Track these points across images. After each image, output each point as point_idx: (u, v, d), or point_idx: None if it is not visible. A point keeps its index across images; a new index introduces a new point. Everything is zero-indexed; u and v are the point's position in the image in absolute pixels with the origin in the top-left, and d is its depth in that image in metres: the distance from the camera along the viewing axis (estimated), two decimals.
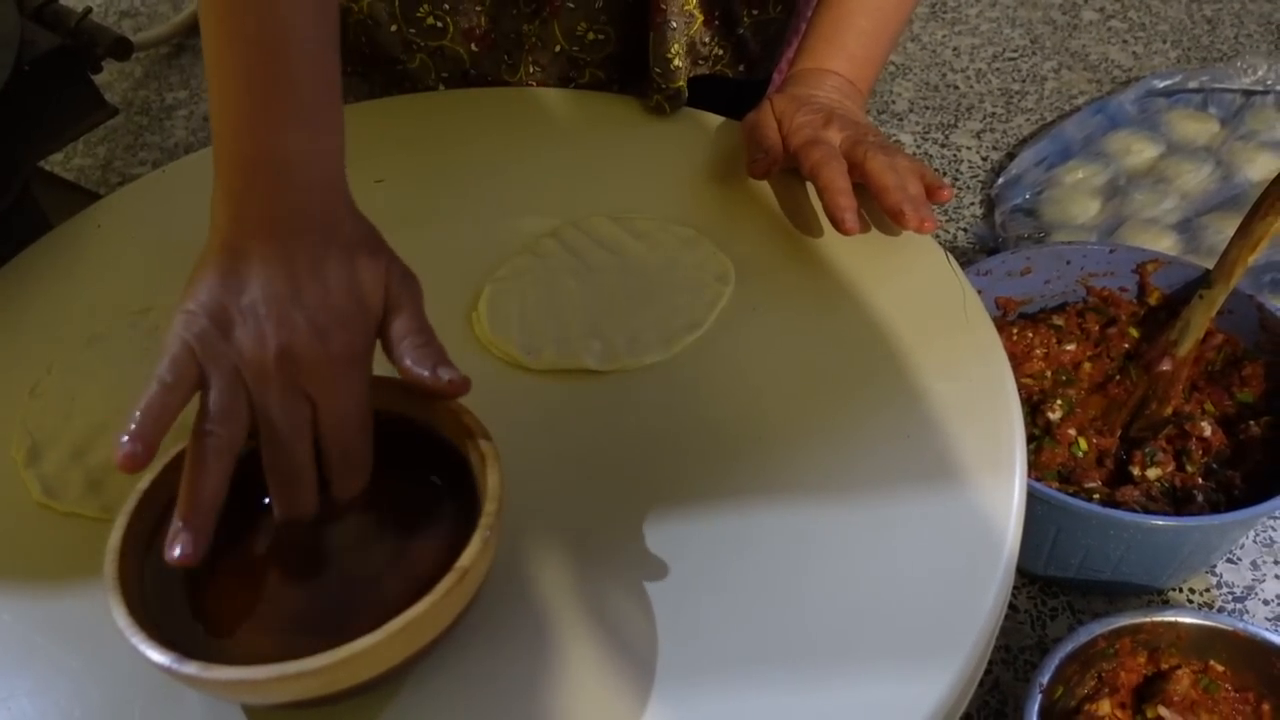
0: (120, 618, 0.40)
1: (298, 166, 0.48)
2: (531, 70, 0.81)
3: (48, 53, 0.83)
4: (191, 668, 0.38)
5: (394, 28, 0.80)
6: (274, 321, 0.45)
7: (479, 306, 0.61)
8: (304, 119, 0.48)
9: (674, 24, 0.76)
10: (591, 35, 0.79)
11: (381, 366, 0.48)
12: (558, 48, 0.80)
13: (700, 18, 0.79)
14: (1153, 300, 0.95)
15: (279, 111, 0.48)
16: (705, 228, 0.66)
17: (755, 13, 0.82)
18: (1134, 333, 0.94)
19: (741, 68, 0.85)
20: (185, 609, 0.43)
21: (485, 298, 0.62)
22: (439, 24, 0.78)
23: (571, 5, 0.78)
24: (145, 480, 0.44)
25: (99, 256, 0.68)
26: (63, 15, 0.88)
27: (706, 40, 0.81)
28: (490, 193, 0.70)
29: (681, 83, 0.78)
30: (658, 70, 0.77)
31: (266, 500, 0.46)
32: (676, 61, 0.77)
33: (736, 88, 0.89)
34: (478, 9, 0.78)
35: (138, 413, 0.43)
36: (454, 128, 0.75)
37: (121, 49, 0.89)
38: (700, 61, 0.82)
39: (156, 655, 0.39)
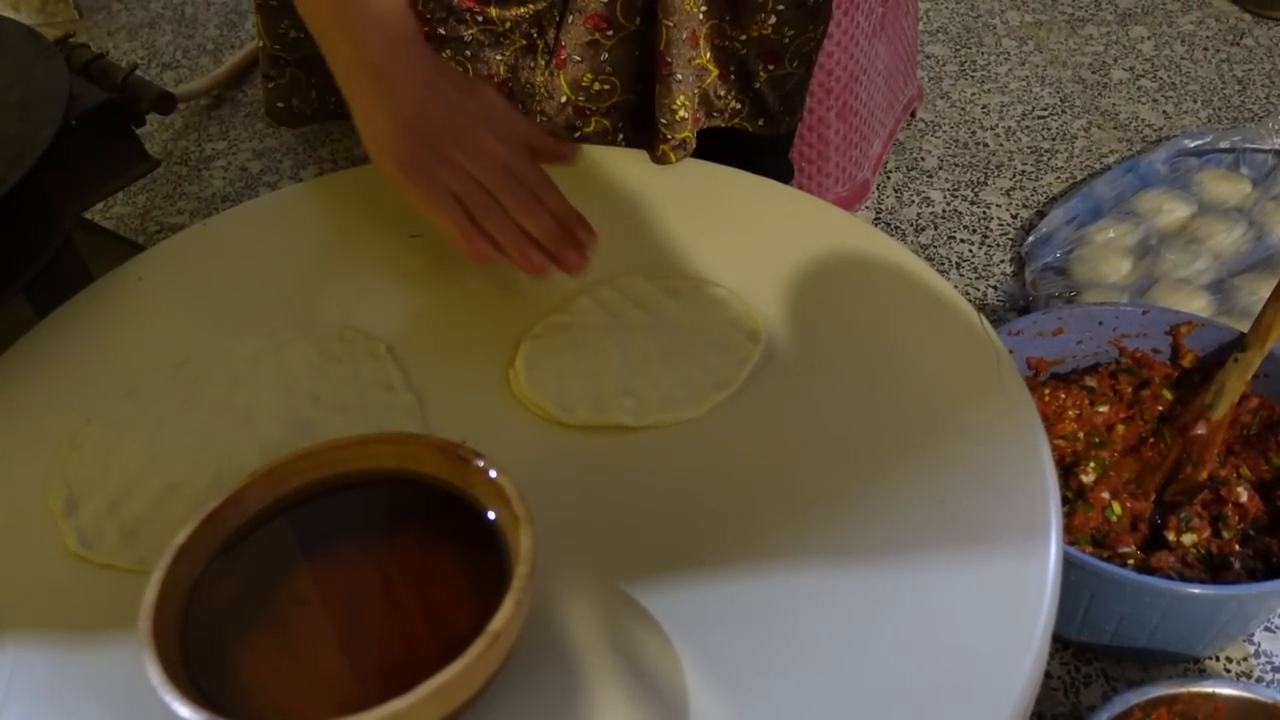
0: (154, 674, 0.40)
1: (415, 39, 0.67)
2: (540, 119, 0.82)
3: (94, 107, 0.85)
4: None
5: None
6: (466, 138, 0.63)
7: (516, 364, 0.61)
8: (398, 10, 0.66)
9: (679, 76, 0.77)
10: (597, 85, 0.81)
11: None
12: (564, 98, 0.81)
13: (715, 71, 0.80)
14: (1186, 362, 0.94)
15: (394, 12, 0.66)
16: (736, 286, 0.66)
17: (772, 68, 0.82)
18: (1168, 395, 0.93)
19: (761, 122, 0.86)
20: (219, 667, 0.43)
21: (522, 355, 0.62)
22: (459, 70, 0.79)
23: (578, 58, 0.79)
24: (181, 535, 0.45)
25: (139, 309, 0.69)
26: (109, 70, 0.91)
27: (722, 93, 0.82)
28: None
29: (688, 133, 0.78)
30: (663, 121, 0.77)
31: (299, 563, 0.46)
32: (682, 113, 0.78)
33: (758, 143, 0.89)
34: (498, 59, 0.79)
35: (461, 229, 0.61)
36: None
37: (165, 104, 0.91)
38: (716, 114, 0.83)
39: (189, 713, 0.39)
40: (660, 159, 0.78)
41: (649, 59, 0.79)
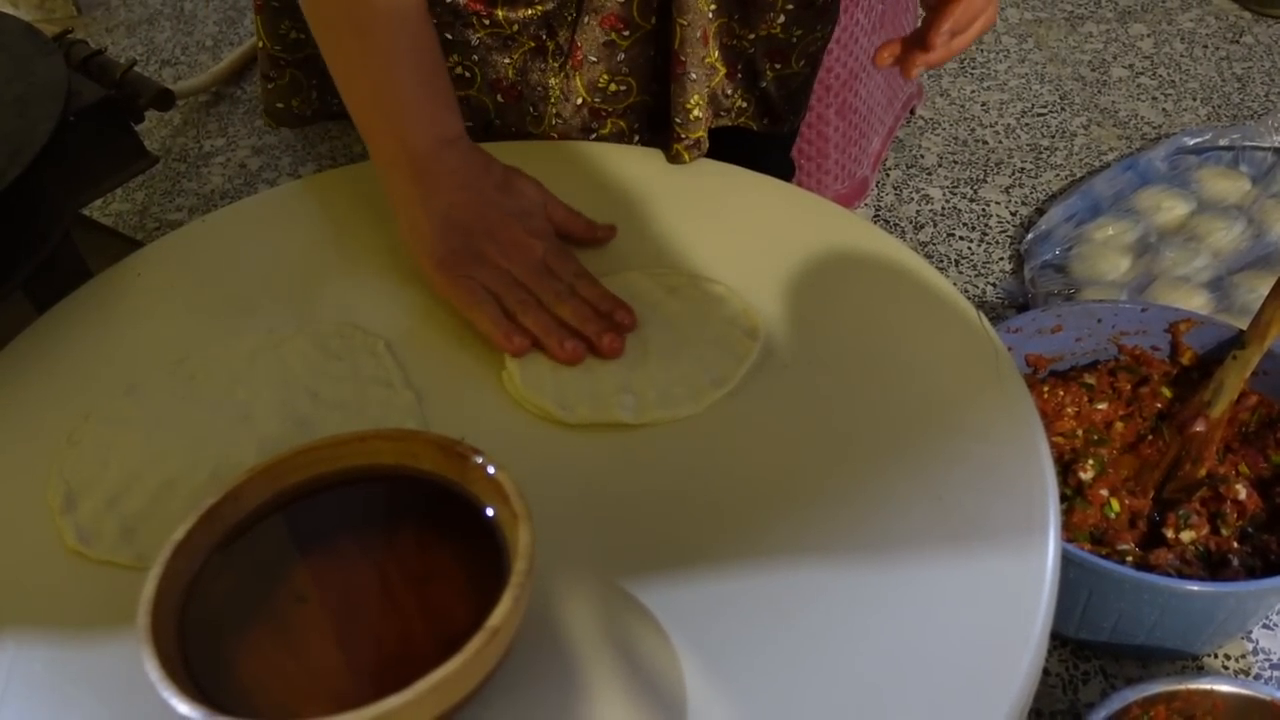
0: (152, 670, 0.40)
1: (458, 141, 0.69)
2: (554, 122, 0.82)
3: (93, 104, 0.85)
4: None
5: None
6: (501, 234, 0.65)
7: (507, 364, 0.61)
8: (452, 112, 0.69)
9: (694, 75, 0.77)
10: (613, 87, 0.80)
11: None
12: (580, 100, 0.81)
13: (722, 70, 0.80)
14: (1185, 360, 0.94)
15: (437, 112, 0.69)
16: (735, 283, 0.66)
17: (778, 67, 0.82)
18: (1167, 392, 0.93)
19: (766, 120, 0.86)
20: (217, 663, 0.43)
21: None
22: (467, 74, 0.79)
23: (594, 59, 0.79)
24: (180, 531, 0.45)
25: (138, 305, 0.69)
26: (108, 67, 0.90)
27: (729, 92, 0.82)
28: None
29: (701, 133, 0.78)
30: (678, 120, 0.77)
31: (297, 559, 0.46)
32: (696, 112, 0.78)
33: (761, 140, 0.89)
34: (506, 61, 0.79)
35: (496, 325, 0.62)
36: None
37: (164, 100, 0.90)
38: (723, 113, 0.83)
39: (187, 709, 0.39)
40: (675, 158, 0.78)
41: (664, 59, 0.79)
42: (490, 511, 0.46)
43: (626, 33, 0.78)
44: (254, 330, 0.65)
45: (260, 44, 0.87)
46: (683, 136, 0.77)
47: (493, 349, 0.63)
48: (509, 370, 0.61)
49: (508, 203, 0.67)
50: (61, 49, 0.87)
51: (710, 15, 0.75)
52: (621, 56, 0.79)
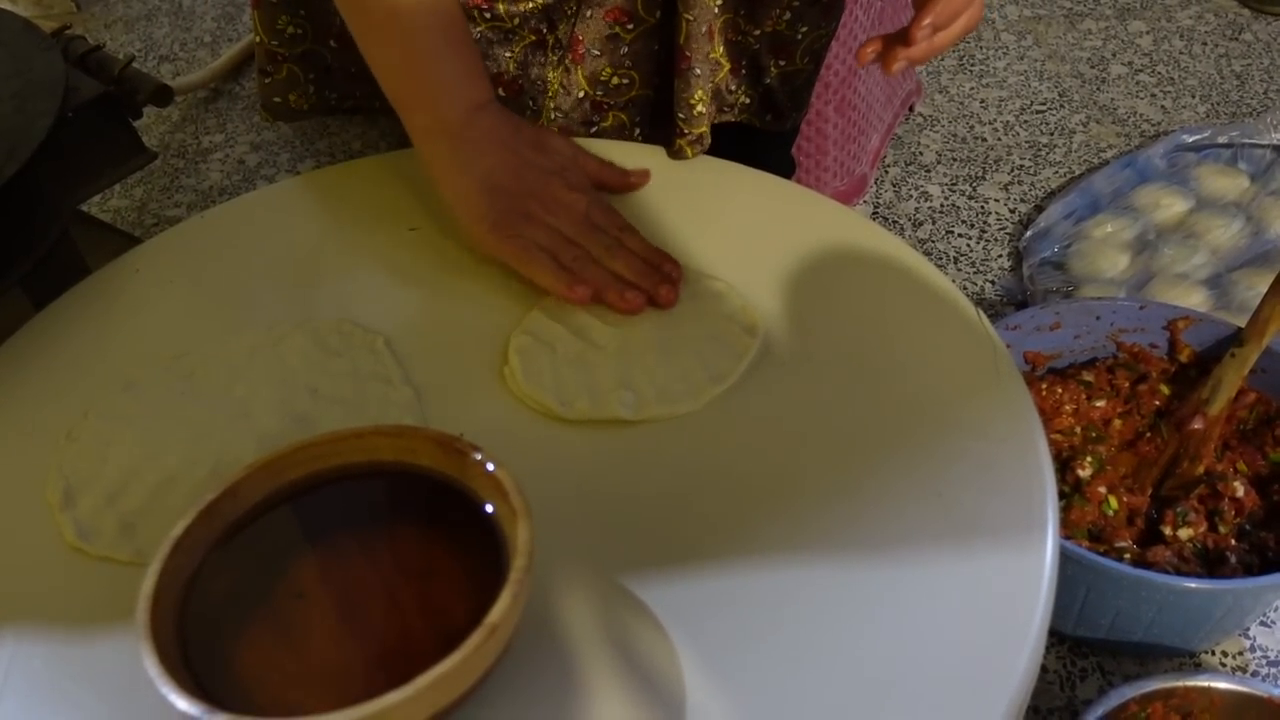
0: (151, 666, 0.40)
1: (489, 105, 0.70)
2: (553, 115, 0.82)
3: (91, 100, 0.85)
4: (221, 718, 0.38)
5: None
6: (543, 192, 0.67)
7: (510, 360, 0.61)
8: (477, 78, 0.70)
9: (698, 70, 0.77)
10: (615, 80, 0.81)
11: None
12: (581, 93, 0.81)
13: (726, 66, 0.80)
14: (1184, 357, 0.94)
15: (468, 79, 0.70)
16: (734, 279, 0.66)
17: (782, 63, 0.82)
18: (1165, 390, 0.93)
19: (768, 117, 0.86)
20: (217, 659, 0.43)
21: (515, 349, 0.62)
22: None
23: (596, 52, 0.79)
24: (179, 527, 0.45)
25: (136, 301, 0.69)
26: (106, 63, 0.90)
27: (733, 88, 0.82)
28: None
29: (704, 128, 0.78)
30: (681, 115, 0.77)
31: (296, 556, 0.46)
32: (700, 107, 0.78)
33: (763, 137, 0.89)
34: (507, 55, 0.79)
35: (558, 278, 0.64)
36: None
37: (162, 96, 0.90)
38: (726, 109, 0.83)
39: (186, 705, 0.39)
40: (677, 154, 0.78)
41: (668, 53, 0.79)
42: (489, 508, 0.46)
43: (630, 26, 0.78)
44: (253, 326, 0.65)
45: (257, 39, 0.87)
46: (685, 132, 0.77)
47: (493, 353, 0.63)
48: (511, 365, 0.61)
49: (544, 160, 0.69)
50: (60, 45, 0.87)
51: (716, 10, 0.75)
52: (625, 50, 0.79)
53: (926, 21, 0.68)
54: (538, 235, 0.65)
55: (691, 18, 0.75)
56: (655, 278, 0.64)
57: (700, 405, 0.59)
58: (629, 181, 0.73)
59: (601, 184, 0.71)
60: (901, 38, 0.69)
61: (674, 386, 0.60)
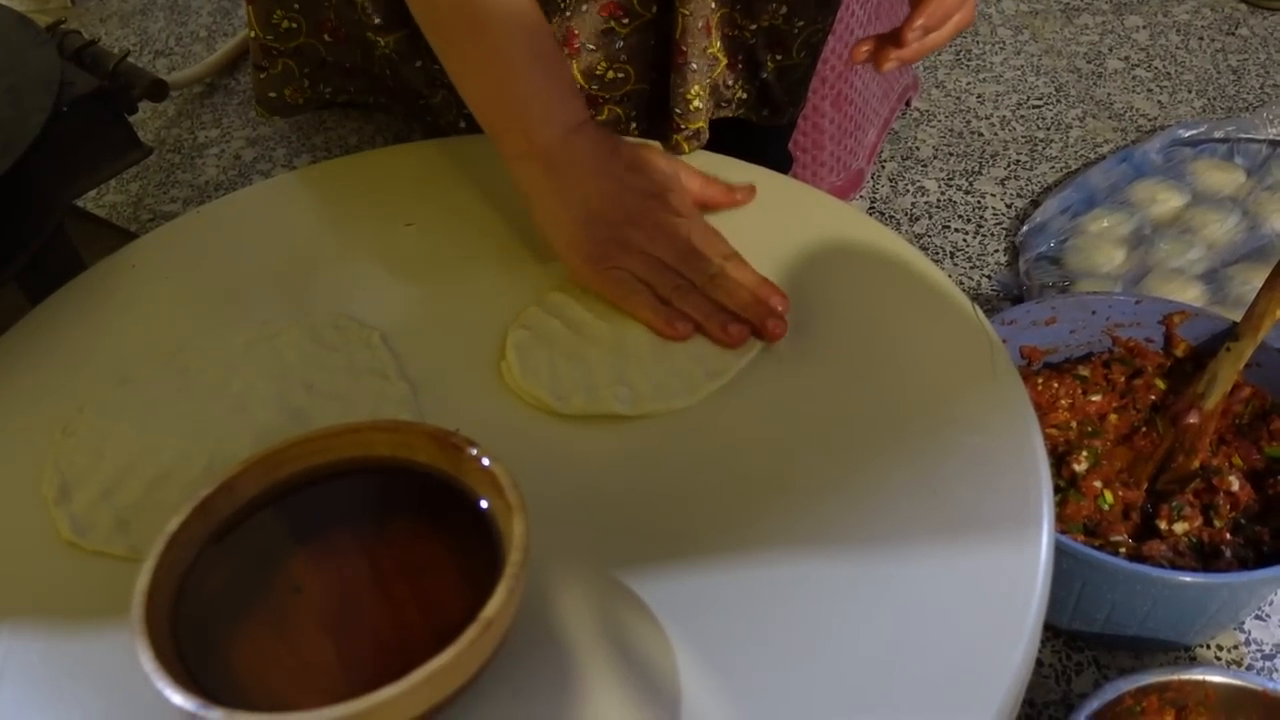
0: (146, 661, 0.40)
1: (585, 126, 0.67)
2: None
3: (86, 94, 0.85)
4: (216, 714, 0.38)
5: (419, 63, 0.81)
6: (643, 218, 0.64)
7: (507, 354, 0.61)
8: (576, 97, 0.68)
9: (695, 65, 0.77)
10: (611, 74, 0.80)
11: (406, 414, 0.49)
12: (577, 87, 0.81)
13: (724, 61, 0.80)
14: (1179, 352, 0.94)
15: (561, 100, 0.67)
16: None
17: (779, 58, 0.82)
18: (1160, 384, 0.93)
19: (765, 112, 0.86)
20: (212, 654, 0.43)
21: (512, 344, 0.62)
22: None
23: (591, 46, 0.79)
24: (174, 522, 0.45)
25: (132, 296, 0.69)
26: (101, 57, 0.90)
27: (730, 83, 0.82)
28: (519, 237, 0.70)
29: (701, 123, 0.78)
30: (678, 111, 0.77)
31: (292, 550, 0.46)
32: (696, 103, 0.78)
33: (760, 132, 0.89)
34: None
35: (655, 313, 0.61)
36: (484, 172, 0.76)
37: (157, 91, 0.90)
38: (723, 104, 0.83)
39: (181, 700, 0.39)
40: (674, 149, 0.78)
41: (664, 48, 0.79)
42: (485, 503, 0.46)
43: (626, 20, 0.78)
44: (249, 322, 0.65)
45: (252, 34, 0.87)
46: (682, 127, 0.77)
47: (489, 348, 0.63)
48: (508, 360, 0.61)
49: (643, 183, 0.66)
50: (54, 40, 0.87)
51: (713, 5, 0.75)
52: (620, 44, 0.79)
53: (918, 23, 0.68)
54: (636, 266, 0.62)
55: (688, 12, 0.74)
56: (761, 309, 0.61)
57: (696, 401, 0.59)
58: (734, 199, 0.70)
59: (705, 202, 0.68)
60: (894, 38, 0.69)
61: (670, 382, 0.60)
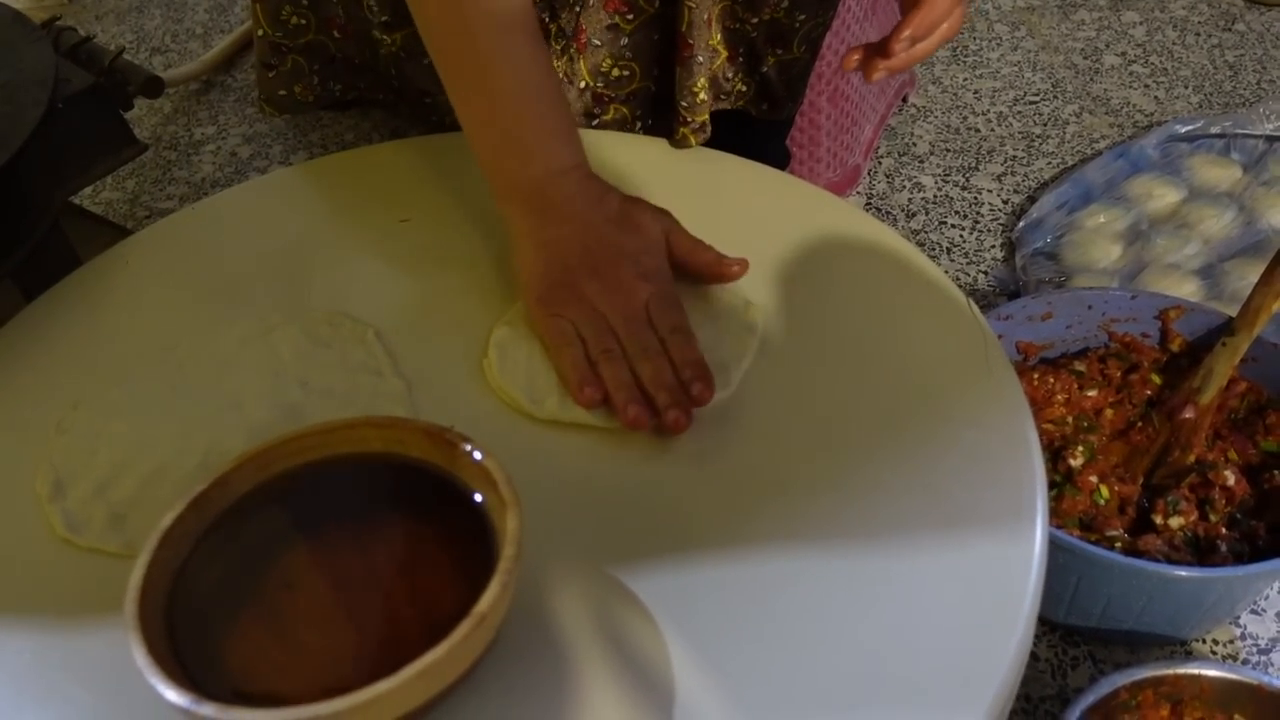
0: (140, 657, 0.40)
1: (570, 173, 0.66)
2: None
3: (81, 91, 0.85)
4: (209, 709, 0.38)
5: (425, 61, 0.81)
6: (606, 272, 0.62)
7: (489, 352, 0.61)
8: (562, 143, 0.66)
9: (700, 58, 0.77)
10: (616, 71, 0.80)
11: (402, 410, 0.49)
12: (584, 83, 0.81)
13: (724, 54, 0.80)
14: (1175, 347, 0.94)
15: (545, 144, 0.66)
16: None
17: (780, 52, 0.82)
18: (1156, 379, 0.93)
19: (765, 106, 0.86)
20: (206, 650, 0.43)
21: (494, 342, 0.62)
22: None
23: (598, 42, 0.79)
24: (168, 519, 0.45)
25: (127, 293, 0.69)
26: (96, 54, 0.90)
27: (730, 76, 0.82)
28: None
29: (706, 116, 0.78)
30: (683, 104, 0.77)
31: (286, 546, 0.46)
32: (702, 95, 0.78)
33: (758, 128, 0.89)
34: None
35: (574, 371, 0.59)
36: (479, 169, 0.76)
37: (153, 87, 0.90)
38: (723, 96, 0.83)
39: (174, 696, 0.39)
40: (680, 142, 0.78)
41: (667, 43, 0.79)
42: (478, 498, 0.46)
43: (630, 16, 0.78)
44: (244, 318, 0.65)
45: (260, 31, 0.87)
46: (689, 120, 0.77)
47: (484, 345, 0.62)
48: (489, 358, 0.61)
49: (621, 239, 0.64)
50: (50, 36, 0.87)
51: None
52: (625, 41, 0.79)
53: (905, 34, 0.68)
54: (580, 318, 0.61)
55: (693, 4, 0.75)
56: (674, 396, 0.57)
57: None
58: (725, 270, 0.65)
59: (688, 267, 0.65)
60: (881, 49, 0.69)
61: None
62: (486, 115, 0.66)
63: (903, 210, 1.32)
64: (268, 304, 0.66)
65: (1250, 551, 0.83)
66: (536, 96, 0.66)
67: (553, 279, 0.62)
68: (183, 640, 0.42)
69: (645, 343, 0.59)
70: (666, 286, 0.63)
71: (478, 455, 0.46)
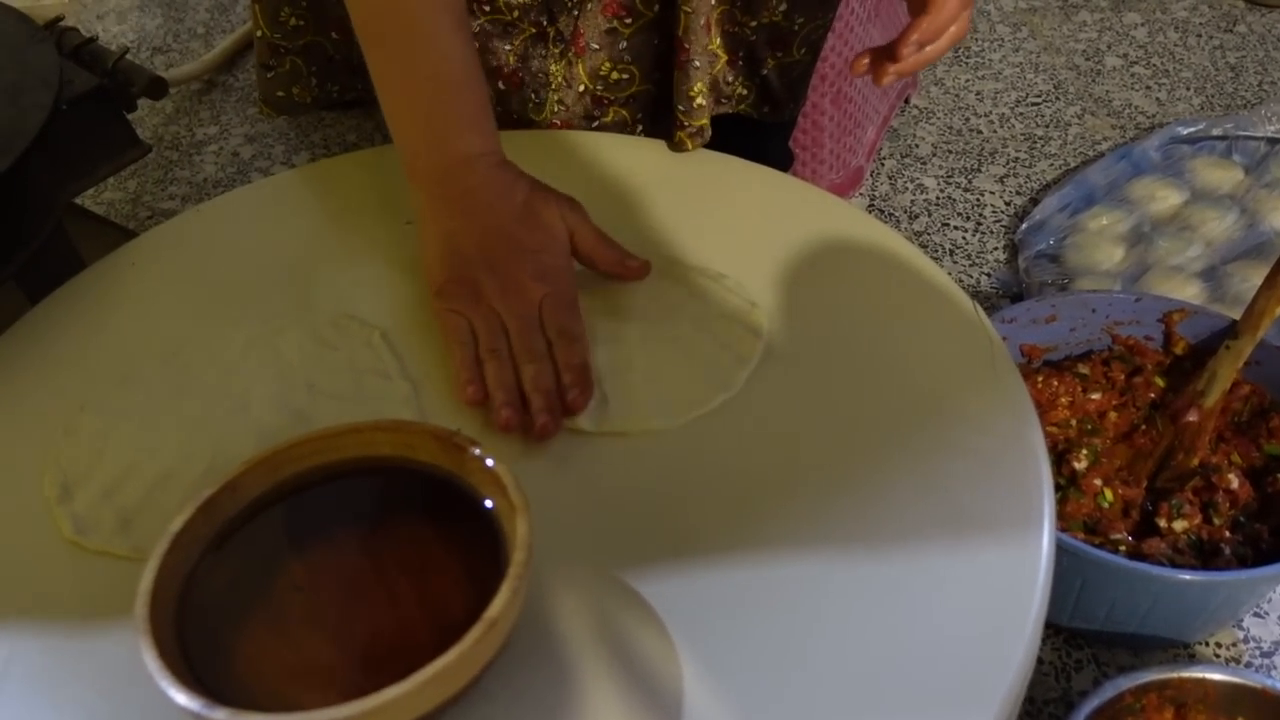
0: (150, 660, 0.40)
1: (479, 161, 0.65)
2: (556, 109, 0.82)
3: (85, 92, 0.85)
4: (220, 714, 0.38)
5: None
6: (503, 269, 0.62)
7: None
8: (475, 130, 0.66)
9: (697, 63, 0.77)
10: (615, 75, 0.80)
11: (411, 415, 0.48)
12: (582, 87, 0.81)
13: (724, 57, 0.80)
14: (1179, 350, 0.94)
15: (456, 129, 0.65)
16: (729, 273, 0.66)
17: (779, 55, 0.82)
18: (1160, 382, 0.93)
19: (766, 109, 0.86)
20: (215, 654, 0.43)
21: None
22: None
23: (596, 46, 0.79)
24: (177, 523, 0.45)
25: (132, 295, 0.69)
26: (100, 55, 0.90)
27: (730, 79, 0.82)
28: None
29: (705, 120, 0.78)
30: (681, 108, 0.77)
31: (295, 550, 0.46)
32: (700, 100, 0.78)
33: (760, 130, 0.89)
34: (507, 48, 0.79)
35: (462, 369, 0.59)
36: None
37: (157, 88, 0.90)
38: (724, 100, 0.83)
39: (185, 700, 0.39)
40: (678, 146, 0.78)
41: (666, 47, 0.79)
42: (488, 503, 0.46)
43: (629, 20, 0.78)
44: (249, 320, 0.65)
45: (259, 32, 0.87)
46: (686, 124, 0.77)
47: None
48: None
49: (522, 234, 0.63)
50: (53, 37, 0.87)
51: (713, 2, 0.75)
52: (624, 44, 0.79)
53: (913, 38, 0.68)
54: (474, 315, 0.61)
55: (690, 9, 0.75)
56: (548, 401, 0.57)
57: (676, 424, 0.58)
58: (626, 268, 0.65)
59: (592, 263, 0.65)
60: (889, 53, 0.69)
61: (654, 398, 0.59)
62: (404, 95, 0.66)
63: (905, 212, 1.33)
64: (274, 306, 0.66)
65: (1254, 555, 0.83)
66: (455, 81, 0.66)
67: (451, 272, 0.62)
68: (193, 644, 0.42)
69: (531, 345, 0.60)
70: (563, 287, 0.62)
71: (487, 460, 0.46)
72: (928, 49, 0.69)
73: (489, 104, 0.68)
